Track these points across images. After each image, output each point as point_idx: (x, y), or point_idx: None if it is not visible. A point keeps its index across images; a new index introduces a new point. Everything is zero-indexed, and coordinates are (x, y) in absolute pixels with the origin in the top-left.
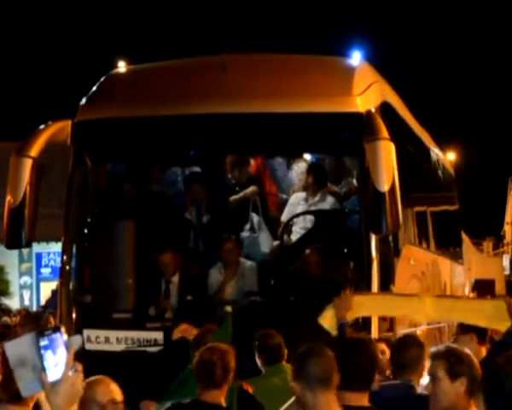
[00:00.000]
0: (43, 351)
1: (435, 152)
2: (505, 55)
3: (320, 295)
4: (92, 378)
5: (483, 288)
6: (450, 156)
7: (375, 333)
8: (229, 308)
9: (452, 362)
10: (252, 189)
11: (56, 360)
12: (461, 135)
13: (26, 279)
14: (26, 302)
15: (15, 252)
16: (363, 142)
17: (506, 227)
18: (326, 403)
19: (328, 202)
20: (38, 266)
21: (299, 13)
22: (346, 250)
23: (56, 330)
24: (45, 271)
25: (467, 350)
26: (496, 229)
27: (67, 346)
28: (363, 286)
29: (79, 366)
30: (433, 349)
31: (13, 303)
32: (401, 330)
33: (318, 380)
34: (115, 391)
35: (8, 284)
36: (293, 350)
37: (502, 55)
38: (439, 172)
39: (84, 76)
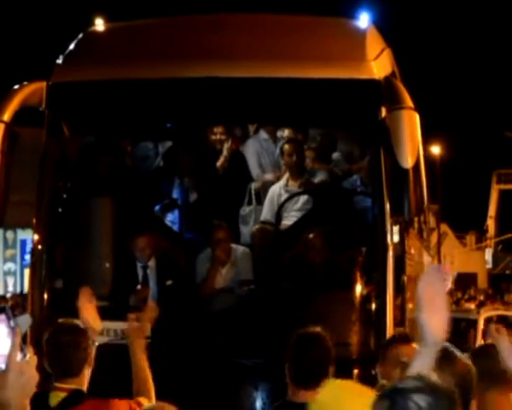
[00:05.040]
0: None
1: None
2: (493, 53)
3: (322, 283)
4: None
5: (465, 281)
6: (435, 150)
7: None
8: None
9: None
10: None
11: (1, 346)
12: (445, 129)
13: (10, 266)
14: (10, 289)
15: (0, 238)
16: (379, 112)
17: (489, 221)
18: None
19: (332, 181)
20: (23, 252)
21: None
22: (354, 235)
23: (0, 310)
24: None
25: None
26: (479, 223)
27: (14, 328)
28: (377, 276)
29: (30, 351)
30: None
31: None
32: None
33: None
34: None
35: None
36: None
37: (491, 52)
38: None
39: (61, 32)
